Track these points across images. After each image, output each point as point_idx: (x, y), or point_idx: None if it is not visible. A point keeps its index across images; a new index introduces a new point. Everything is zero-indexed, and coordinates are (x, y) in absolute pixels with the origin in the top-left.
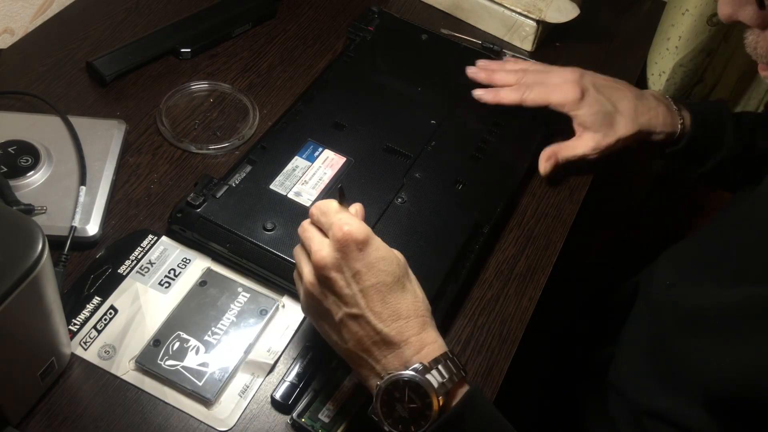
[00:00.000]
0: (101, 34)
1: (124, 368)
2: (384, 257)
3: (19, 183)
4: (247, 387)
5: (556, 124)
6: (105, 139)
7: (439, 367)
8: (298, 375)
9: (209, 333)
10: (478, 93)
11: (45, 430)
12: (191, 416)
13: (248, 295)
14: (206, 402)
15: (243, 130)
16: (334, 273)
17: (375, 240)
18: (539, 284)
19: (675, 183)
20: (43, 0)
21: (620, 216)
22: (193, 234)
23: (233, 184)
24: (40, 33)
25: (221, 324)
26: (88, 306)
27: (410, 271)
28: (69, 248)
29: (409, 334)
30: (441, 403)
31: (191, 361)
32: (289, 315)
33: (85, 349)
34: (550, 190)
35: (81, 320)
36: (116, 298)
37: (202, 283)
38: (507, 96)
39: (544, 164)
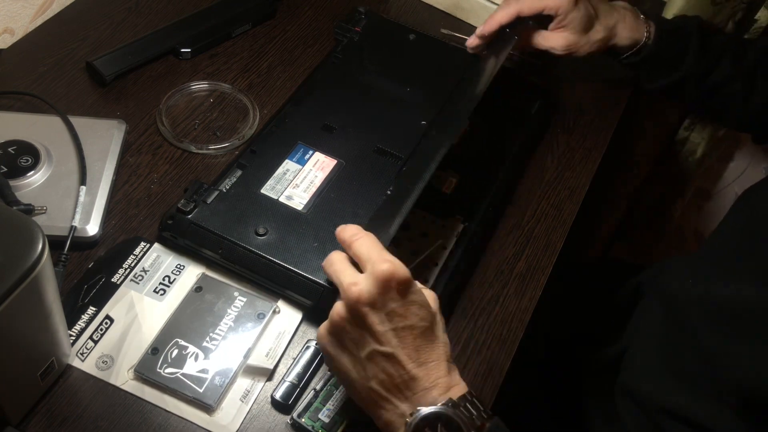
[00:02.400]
0: (101, 34)
1: (123, 378)
2: (421, 303)
3: (19, 183)
4: (248, 392)
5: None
6: (105, 139)
7: (467, 405)
8: (298, 375)
9: (207, 339)
10: (470, 41)
11: (45, 430)
12: (193, 423)
13: (245, 299)
14: (208, 409)
15: (243, 130)
16: (369, 309)
17: (415, 284)
18: (539, 284)
19: (671, 180)
20: (43, 0)
21: (620, 215)
22: (185, 241)
23: (224, 189)
24: (40, 33)
25: (219, 329)
26: (83, 317)
27: (440, 316)
28: (69, 248)
29: (438, 376)
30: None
31: (191, 367)
32: (286, 319)
33: (83, 360)
34: (550, 190)
35: (77, 331)
36: (111, 308)
37: (197, 288)
38: (502, 15)
39: (503, 14)
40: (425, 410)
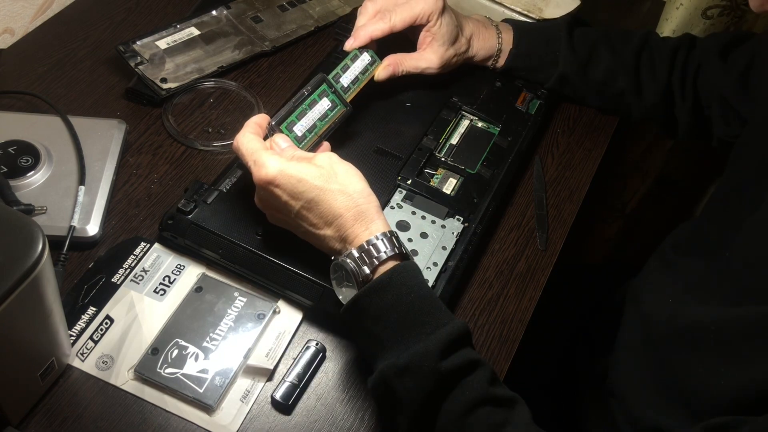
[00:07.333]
0: (101, 34)
1: (123, 378)
2: (300, 179)
3: (19, 183)
4: (248, 392)
5: (548, 121)
6: (105, 139)
7: (361, 254)
8: (298, 375)
9: (207, 339)
10: (346, 45)
11: (45, 430)
12: (193, 423)
13: (245, 300)
14: (208, 409)
15: None
16: (269, 209)
17: (286, 170)
18: (539, 284)
19: (675, 184)
20: (43, 0)
21: (620, 216)
22: (185, 241)
23: (224, 189)
24: (40, 33)
25: (219, 330)
26: (83, 317)
27: (339, 167)
28: (68, 248)
29: (344, 229)
30: (368, 278)
31: (191, 368)
32: (286, 319)
33: (83, 361)
34: (551, 190)
35: (77, 331)
36: (111, 308)
37: (197, 289)
38: (375, 29)
39: (382, 71)
40: (334, 260)
